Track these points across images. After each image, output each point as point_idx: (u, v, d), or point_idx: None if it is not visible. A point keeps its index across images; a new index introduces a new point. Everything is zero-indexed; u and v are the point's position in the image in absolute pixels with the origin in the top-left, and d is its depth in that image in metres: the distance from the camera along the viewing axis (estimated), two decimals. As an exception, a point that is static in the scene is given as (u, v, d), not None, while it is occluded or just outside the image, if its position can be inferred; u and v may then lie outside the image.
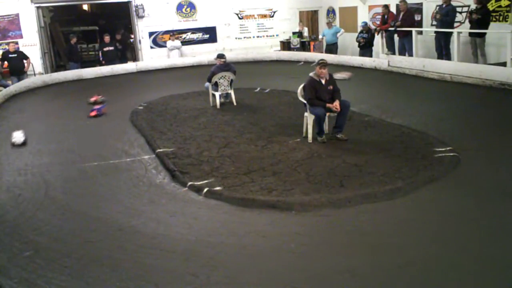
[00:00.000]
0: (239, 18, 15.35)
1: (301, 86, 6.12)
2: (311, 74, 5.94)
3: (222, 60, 8.33)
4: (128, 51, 15.29)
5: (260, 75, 11.27)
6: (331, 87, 5.93)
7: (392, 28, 11.15)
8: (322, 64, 5.80)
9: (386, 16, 11.45)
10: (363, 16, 13.67)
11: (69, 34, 14.62)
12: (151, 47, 14.45)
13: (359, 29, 12.55)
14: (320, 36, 14.35)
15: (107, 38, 13.07)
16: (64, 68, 13.31)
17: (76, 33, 14.84)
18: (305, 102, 6.01)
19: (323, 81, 5.87)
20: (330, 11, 15.41)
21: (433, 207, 4.06)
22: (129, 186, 4.86)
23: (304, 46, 14.48)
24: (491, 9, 9.76)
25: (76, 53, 12.97)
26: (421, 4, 11.85)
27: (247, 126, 6.87)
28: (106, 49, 13.06)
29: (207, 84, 8.46)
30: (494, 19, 9.78)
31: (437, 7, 10.52)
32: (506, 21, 9.75)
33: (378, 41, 11.70)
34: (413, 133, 6.07)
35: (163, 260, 3.34)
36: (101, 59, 13.16)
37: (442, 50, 10.21)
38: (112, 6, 16.64)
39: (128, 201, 4.46)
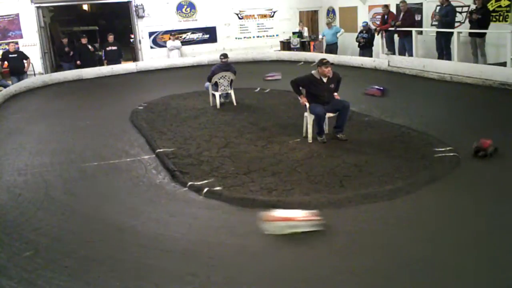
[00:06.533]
0: (239, 18, 15.35)
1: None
2: (313, 71, 5.95)
3: (224, 60, 8.34)
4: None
5: (260, 75, 11.26)
6: (332, 85, 5.94)
7: (392, 28, 11.15)
8: (326, 63, 5.81)
9: (386, 16, 11.45)
10: (363, 16, 13.66)
11: (69, 34, 14.62)
12: (151, 47, 14.45)
13: (359, 29, 12.56)
14: (320, 36, 14.34)
15: (110, 38, 13.05)
16: (63, 68, 13.30)
17: (65, 34, 14.79)
18: (296, 91, 6.10)
19: (324, 80, 5.87)
20: (330, 11, 15.41)
21: (433, 207, 4.06)
22: (129, 186, 4.86)
23: (304, 46, 14.48)
24: (491, 9, 9.76)
25: (68, 53, 12.92)
26: (421, 4, 11.85)
27: (247, 126, 6.87)
28: (108, 48, 13.04)
29: (207, 84, 8.47)
30: (494, 19, 9.78)
31: (437, 7, 10.53)
32: (506, 21, 9.75)
33: (378, 41, 11.70)
34: (413, 133, 6.07)
35: (163, 260, 3.34)
36: (103, 58, 13.15)
37: (442, 50, 10.21)
38: (112, 6, 16.65)
39: (128, 201, 4.47)
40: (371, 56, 12.12)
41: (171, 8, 14.47)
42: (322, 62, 5.85)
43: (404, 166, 4.90)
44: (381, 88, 8.57)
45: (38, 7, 13.07)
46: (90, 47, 13.04)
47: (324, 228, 3.61)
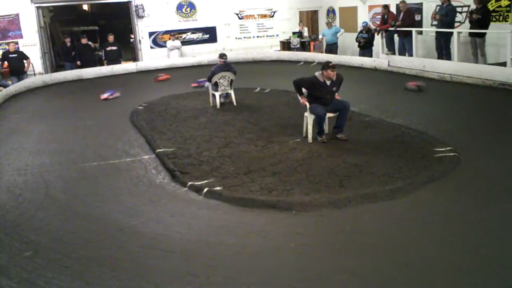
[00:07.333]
0: (239, 18, 15.35)
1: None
2: (316, 74, 5.93)
3: (222, 60, 8.33)
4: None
5: (260, 75, 11.27)
6: (335, 88, 5.94)
7: (392, 28, 11.15)
8: (333, 66, 5.76)
9: (386, 16, 11.45)
10: (363, 16, 13.66)
11: (70, 34, 14.62)
12: (151, 47, 14.45)
13: (359, 29, 12.56)
14: (320, 36, 14.34)
15: (111, 38, 13.04)
16: (64, 68, 13.31)
17: (66, 34, 14.81)
18: (297, 91, 6.08)
19: (328, 82, 5.85)
20: (330, 11, 15.40)
21: (433, 207, 4.06)
22: (129, 186, 4.86)
23: (304, 46, 14.48)
24: (491, 9, 9.76)
25: (70, 53, 12.88)
26: (421, 4, 11.85)
27: (247, 126, 6.87)
28: (108, 48, 13.03)
29: (207, 84, 8.47)
30: (494, 19, 9.77)
31: (437, 7, 10.53)
32: (506, 21, 9.75)
33: (378, 41, 11.70)
34: (413, 133, 6.07)
35: (163, 260, 3.34)
36: (103, 58, 13.16)
37: (442, 50, 10.21)
38: (112, 6, 16.65)
39: (128, 201, 4.46)
40: (371, 56, 12.11)
41: (171, 8, 14.47)
42: (329, 66, 5.77)
43: (404, 166, 4.90)
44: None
45: (38, 7, 13.06)
46: (90, 43, 13.04)
47: None
